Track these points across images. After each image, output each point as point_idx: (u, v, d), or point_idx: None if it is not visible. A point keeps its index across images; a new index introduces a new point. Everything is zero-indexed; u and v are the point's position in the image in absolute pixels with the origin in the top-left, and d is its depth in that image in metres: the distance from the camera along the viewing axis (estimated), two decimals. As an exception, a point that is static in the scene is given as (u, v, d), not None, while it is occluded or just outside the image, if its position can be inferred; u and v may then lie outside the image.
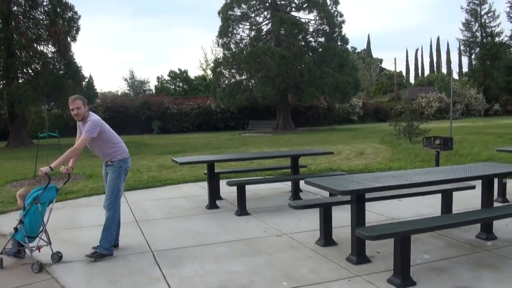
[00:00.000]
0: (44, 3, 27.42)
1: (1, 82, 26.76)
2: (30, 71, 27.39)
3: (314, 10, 35.66)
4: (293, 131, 33.78)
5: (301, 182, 8.39)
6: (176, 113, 39.79)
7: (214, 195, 7.90)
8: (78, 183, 10.84)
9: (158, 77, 58.86)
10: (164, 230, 6.46)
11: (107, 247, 5.32)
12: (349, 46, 37.50)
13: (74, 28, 28.37)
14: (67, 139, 24.37)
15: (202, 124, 39.99)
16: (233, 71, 36.73)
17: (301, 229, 6.21)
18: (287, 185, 9.53)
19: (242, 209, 7.20)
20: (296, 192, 8.28)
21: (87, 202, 8.69)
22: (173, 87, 57.92)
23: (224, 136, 29.69)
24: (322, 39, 36.23)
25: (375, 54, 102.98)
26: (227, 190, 8.51)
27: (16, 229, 5.06)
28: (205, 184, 9.96)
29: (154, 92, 55.07)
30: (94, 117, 5.42)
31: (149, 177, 11.21)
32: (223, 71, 36.93)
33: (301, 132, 32.34)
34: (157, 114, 37.91)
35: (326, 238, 5.49)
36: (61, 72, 27.24)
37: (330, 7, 35.89)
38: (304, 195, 8.39)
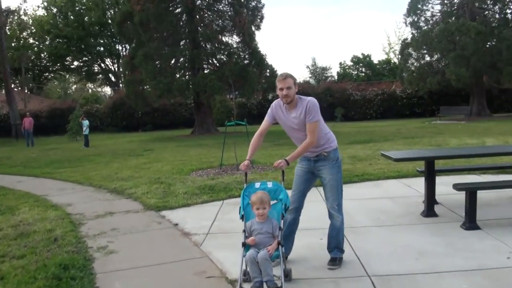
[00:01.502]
0: (229, -5, 28.01)
1: (188, 73, 28.17)
2: (215, 62, 28.30)
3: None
4: (489, 118, 29.83)
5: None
6: (359, 99, 38.08)
7: (432, 199, 6.49)
8: (267, 175, 10.25)
9: (340, 63, 57.69)
10: (377, 243, 5.32)
11: (343, 249, 4.74)
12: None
13: (258, 17, 28.68)
14: (253, 126, 24.68)
15: (386, 111, 37.62)
16: (423, 52, 33.86)
17: None
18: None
19: (471, 222, 5.68)
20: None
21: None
22: (356, 72, 56.19)
23: (412, 124, 27.44)
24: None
25: None
26: (442, 192, 7.08)
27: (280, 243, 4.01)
28: (409, 182, 8.68)
29: (336, 78, 53.92)
30: (309, 98, 4.43)
31: (343, 170, 10.11)
32: (412, 52, 34.24)
33: (498, 120, 28.20)
34: (340, 101, 36.77)
35: None
36: (246, 61, 27.66)
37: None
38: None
